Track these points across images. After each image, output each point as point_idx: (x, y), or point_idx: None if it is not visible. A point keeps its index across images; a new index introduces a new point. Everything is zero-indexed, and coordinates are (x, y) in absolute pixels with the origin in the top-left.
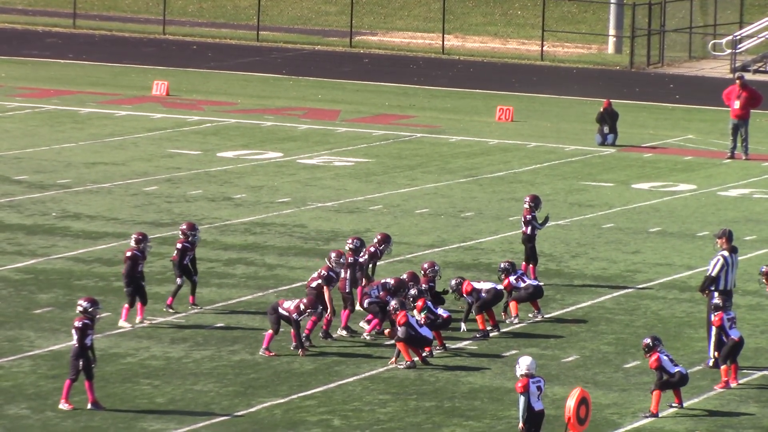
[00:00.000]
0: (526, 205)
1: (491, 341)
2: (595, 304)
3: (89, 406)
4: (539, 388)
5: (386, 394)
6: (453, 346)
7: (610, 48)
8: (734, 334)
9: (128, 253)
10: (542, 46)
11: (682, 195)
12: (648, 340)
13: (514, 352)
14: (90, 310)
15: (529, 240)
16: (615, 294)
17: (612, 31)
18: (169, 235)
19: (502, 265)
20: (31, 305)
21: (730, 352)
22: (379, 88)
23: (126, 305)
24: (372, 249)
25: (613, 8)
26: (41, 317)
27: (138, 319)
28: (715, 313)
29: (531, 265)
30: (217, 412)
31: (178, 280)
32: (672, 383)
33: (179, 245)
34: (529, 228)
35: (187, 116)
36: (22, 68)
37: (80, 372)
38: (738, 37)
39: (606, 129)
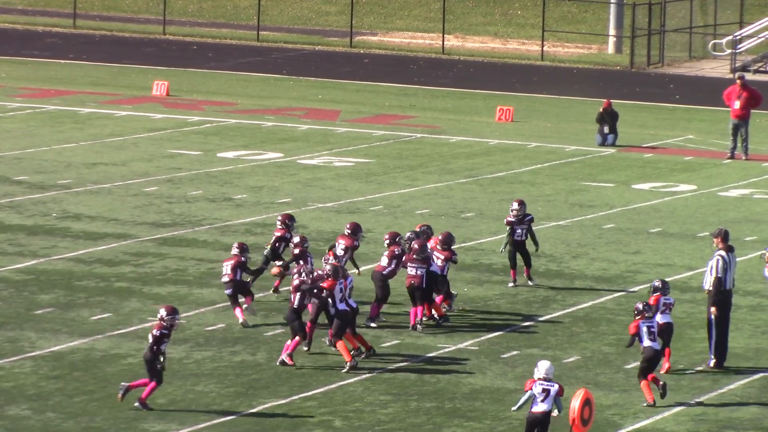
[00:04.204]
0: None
1: (492, 342)
2: (596, 304)
3: (137, 404)
4: (545, 390)
5: (387, 394)
6: (454, 347)
7: (610, 48)
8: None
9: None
10: (542, 46)
11: (682, 195)
12: (640, 306)
13: (515, 353)
14: (167, 318)
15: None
16: (616, 295)
17: (612, 31)
18: (170, 236)
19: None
20: (32, 306)
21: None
22: (380, 88)
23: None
24: (351, 242)
25: (613, 8)
26: (42, 318)
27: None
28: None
29: (526, 267)
30: (218, 412)
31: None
32: (644, 368)
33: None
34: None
35: (188, 116)
36: (22, 68)
37: (161, 374)
38: (738, 37)
39: (606, 129)
